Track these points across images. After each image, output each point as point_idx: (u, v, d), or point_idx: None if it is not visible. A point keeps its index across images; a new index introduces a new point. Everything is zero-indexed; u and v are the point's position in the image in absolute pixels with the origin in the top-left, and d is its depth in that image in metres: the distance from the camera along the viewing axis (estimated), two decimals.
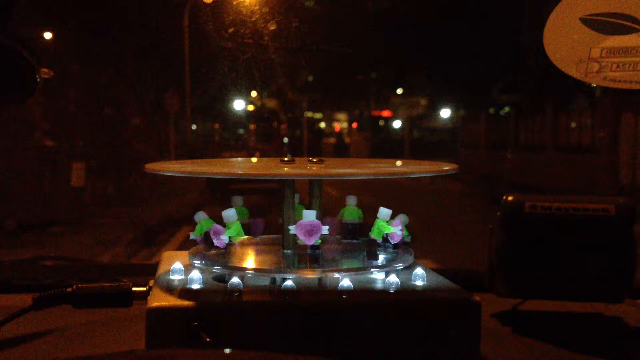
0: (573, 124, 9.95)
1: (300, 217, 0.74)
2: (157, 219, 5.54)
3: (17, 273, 1.14)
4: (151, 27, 5.84)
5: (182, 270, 0.76)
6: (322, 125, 18.56)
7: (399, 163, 0.88)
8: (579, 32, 0.82)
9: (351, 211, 0.86)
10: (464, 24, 8.54)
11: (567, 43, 0.83)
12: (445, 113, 16.05)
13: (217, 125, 13.20)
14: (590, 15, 0.82)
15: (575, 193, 0.84)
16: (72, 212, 5.46)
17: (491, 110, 13.06)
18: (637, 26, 0.82)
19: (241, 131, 14.02)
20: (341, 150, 16.07)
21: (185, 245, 0.79)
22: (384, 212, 0.78)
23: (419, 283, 0.73)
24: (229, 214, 0.78)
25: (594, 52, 0.83)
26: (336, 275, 0.71)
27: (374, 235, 0.78)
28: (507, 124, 12.23)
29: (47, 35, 5.58)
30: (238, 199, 0.85)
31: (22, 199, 4.93)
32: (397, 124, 17.47)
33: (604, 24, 0.82)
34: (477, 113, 13.00)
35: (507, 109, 12.58)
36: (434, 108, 16.08)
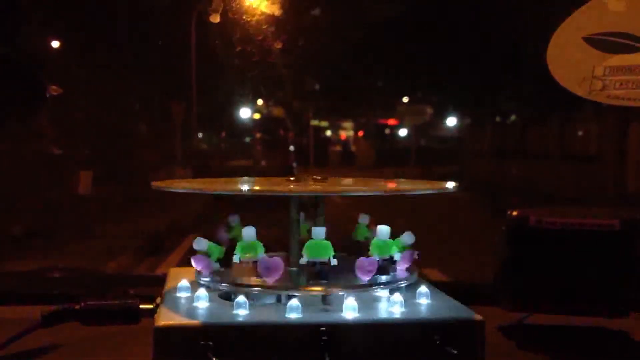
0: (580, 133, 9.93)
1: (305, 235, 0.75)
2: (163, 227, 5.55)
3: (24, 284, 1.15)
4: (159, 40, 5.88)
5: (189, 287, 0.76)
6: (328, 133, 18.56)
7: (400, 181, 0.88)
8: (582, 51, 0.83)
9: (362, 230, 0.88)
10: (464, 24, 8.49)
11: (570, 61, 0.84)
12: (451, 121, 16.02)
13: (223, 134, 13.21)
14: (594, 34, 0.83)
15: (582, 203, 0.84)
16: (78, 220, 5.47)
17: (497, 119, 13.03)
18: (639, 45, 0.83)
19: (247, 139, 14.03)
20: (347, 158, 16.08)
21: (190, 254, 0.80)
22: (384, 231, 0.77)
23: (423, 301, 0.74)
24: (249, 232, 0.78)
25: (597, 70, 0.84)
26: (341, 292, 0.71)
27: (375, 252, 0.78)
28: (513, 131, 12.19)
29: (55, 44, 5.62)
30: (235, 218, 0.86)
31: (29, 206, 4.94)
32: (403, 132, 17.45)
33: (607, 43, 0.83)
34: (483, 121, 12.96)
35: (513, 117, 12.55)
36: (441, 116, 16.05)
